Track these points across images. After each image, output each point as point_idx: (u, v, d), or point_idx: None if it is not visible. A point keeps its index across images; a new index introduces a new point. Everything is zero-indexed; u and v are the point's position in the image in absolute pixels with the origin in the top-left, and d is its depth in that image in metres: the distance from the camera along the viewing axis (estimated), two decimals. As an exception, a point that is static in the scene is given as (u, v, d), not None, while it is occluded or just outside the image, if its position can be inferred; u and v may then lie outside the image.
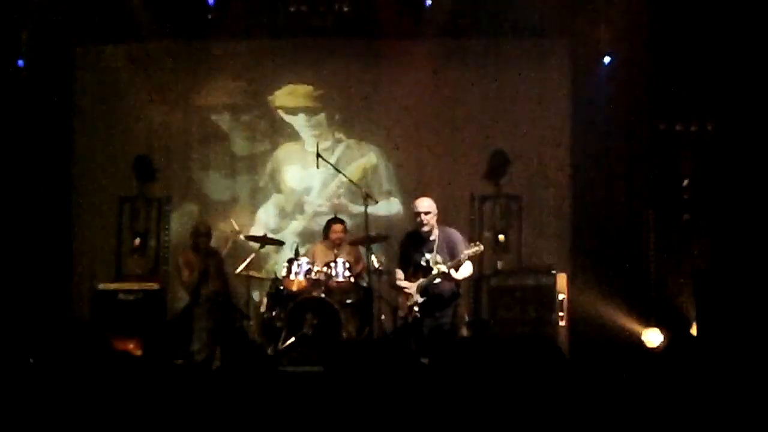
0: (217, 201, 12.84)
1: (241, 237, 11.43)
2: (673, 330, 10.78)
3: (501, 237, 12.05)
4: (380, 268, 10.56)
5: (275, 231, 12.29)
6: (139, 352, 10.04)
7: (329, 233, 11.03)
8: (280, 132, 12.96)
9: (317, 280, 10.50)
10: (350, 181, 11.56)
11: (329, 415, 4.85)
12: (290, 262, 10.69)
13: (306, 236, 12.42)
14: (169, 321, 11.20)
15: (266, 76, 12.91)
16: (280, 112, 12.95)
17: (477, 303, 11.29)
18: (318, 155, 11.01)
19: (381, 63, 12.77)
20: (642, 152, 11.82)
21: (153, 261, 12.20)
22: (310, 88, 12.90)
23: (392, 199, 12.60)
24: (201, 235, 10.78)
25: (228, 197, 12.86)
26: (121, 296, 10.76)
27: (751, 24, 10.74)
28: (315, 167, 11.52)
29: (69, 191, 12.54)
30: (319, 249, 11.08)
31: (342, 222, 11.18)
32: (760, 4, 10.68)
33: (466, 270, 9.01)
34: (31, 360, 5.33)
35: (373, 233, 10.48)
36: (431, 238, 9.02)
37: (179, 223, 12.60)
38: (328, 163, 11.34)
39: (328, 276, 10.50)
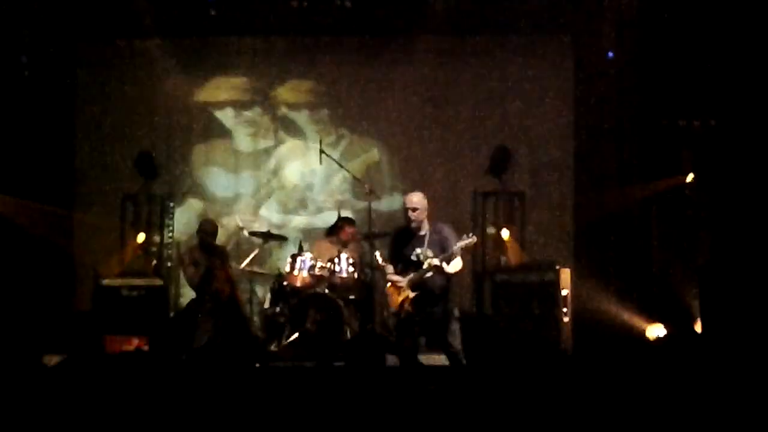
0: (220, 197, 12.85)
1: (245, 233, 11.43)
2: (677, 325, 10.78)
3: (504, 233, 12.04)
4: (383, 264, 10.54)
5: (278, 227, 12.29)
6: (134, 348, 10.06)
7: (339, 232, 10.95)
8: (283, 128, 12.96)
9: (320, 276, 10.49)
10: (353, 177, 11.57)
11: (330, 410, 4.87)
12: (293, 257, 10.68)
13: (309, 232, 12.42)
14: (172, 317, 11.21)
15: (269, 72, 12.91)
16: (283, 109, 12.95)
17: (480, 299, 11.29)
18: (321, 151, 11.02)
19: (384, 59, 12.76)
20: (645, 148, 11.80)
21: (156, 257, 12.20)
22: (313, 84, 12.90)
23: (395, 195, 12.58)
24: (207, 232, 10.76)
25: (231, 194, 12.87)
26: (124, 292, 10.75)
27: (755, 22, 10.73)
28: (317, 163, 11.56)
29: (72, 188, 12.55)
30: (324, 245, 11.06)
31: (354, 223, 11.09)
32: (764, 2, 10.67)
33: (457, 264, 8.96)
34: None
35: (376, 229, 10.48)
36: (421, 233, 9.00)
37: (182, 219, 12.62)
38: (331, 158, 11.33)
39: (332, 272, 10.49)
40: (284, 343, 10.10)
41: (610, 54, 11.93)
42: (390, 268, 9.15)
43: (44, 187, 11.82)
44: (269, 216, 12.76)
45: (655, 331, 10.94)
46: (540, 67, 12.60)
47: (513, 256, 11.86)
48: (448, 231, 9.05)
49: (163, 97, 12.77)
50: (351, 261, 10.54)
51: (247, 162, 12.93)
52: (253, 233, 11.30)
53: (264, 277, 11.47)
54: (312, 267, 10.52)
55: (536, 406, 4.89)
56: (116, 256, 12.03)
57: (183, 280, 11.68)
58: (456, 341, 8.52)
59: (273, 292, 10.83)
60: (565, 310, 10.55)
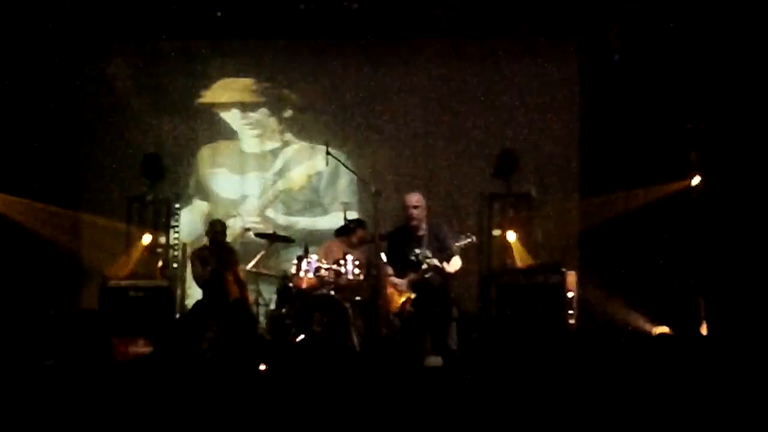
0: (226, 199, 12.87)
1: (251, 234, 11.45)
2: (683, 328, 10.77)
3: (510, 235, 12.04)
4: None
5: (284, 228, 12.30)
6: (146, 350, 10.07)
7: (351, 234, 10.94)
8: (289, 130, 12.98)
9: (326, 278, 10.49)
10: (359, 178, 11.59)
11: (336, 412, 4.88)
12: (299, 259, 10.68)
13: (315, 234, 12.42)
14: (178, 318, 11.23)
15: (275, 74, 12.93)
16: (290, 110, 12.96)
17: (486, 301, 11.28)
18: (327, 152, 11.01)
19: (390, 62, 12.80)
20: (651, 151, 11.79)
21: (162, 259, 12.22)
22: (319, 86, 12.91)
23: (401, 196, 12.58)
24: (216, 231, 10.78)
25: (237, 195, 12.89)
26: (131, 293, 10.77)
27: (761, 24, 10.72)
28: (323, 165, 11.55)
29: (79, 190, 12.57)
30: (333, 246, 11.06)
31: (365, 226, 11.08)
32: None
33: (456, 263, 8.97)
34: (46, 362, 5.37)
35: (382, 231, 10.48)
36: (420, 233, 9.00)
37: (188, 221, 12.63)
38: (337, 160, 11.33)
39: (338, 274, 10.49)
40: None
41: (616, 57, 11.93)
42: (390, 270, 9.15)
43: (51, 189, 11.85)
44: (275, 217, 12.78)
45: (661, 333, 10.94)
46: (545, 69, 12.60)
47: (519, 258, 11.85)
48: (446, 230, 9.05)
49: (169, 98, 12.80)
50: (357, 263, 10.54)
51: (254, 163, 12.95)
52: (259, 235, 11.31)
53: (270, 279, 11.48)
54: (318, 269, 10.52)
55: (541, 407, 4.89)
56: (123, 258, 12.04)
57: (189, 282, 11.71)
58: (452, 342, 8.52)
59: (279, 293, 10.83)
60: (570, 312, 10.55)
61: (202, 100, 12.91)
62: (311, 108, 12.93)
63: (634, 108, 11.86)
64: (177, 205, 12.51)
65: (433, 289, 8.97)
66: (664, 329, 10.95)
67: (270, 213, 12.82)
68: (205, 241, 10.91)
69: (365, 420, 4.87)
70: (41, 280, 11.41)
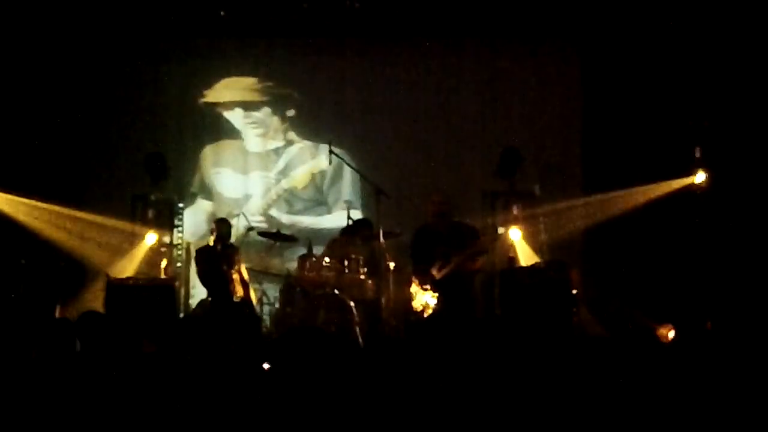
0: (229, 198, 12.87)
1: (254, 233, 11.46)
2: (687, 326, 10.75)
3: (513, 233, 12.02)
4: (393, 264, 10.57)
5: (288, 227, 12.30)
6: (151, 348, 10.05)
7: (357, 233, 10.95)
8: (292, 129, 12.98)
9: (330, 277, 10.50)
10: (362, 177, 11.60)
11: (340, 411, 4.88)
12: (303, 258, 10.69)
13: (318, 232, 12.42)
14: (182, 318, 11.22)
15: (278, 73, 12.94)
16: (292, 109, 12.97)
17: (489, 298, 11.28)
18: (330, 151, 11.03)
19: (392, 61, 12.82)
20: (654, 148, 11.79)
21: (166, 258, 12.21)
22: (321, 85, 12.94)
23: (403, 195, 12.59)
24: (221, 230, 10.78)
25: (241, 194, 12.89)
26: (135, 293, 10.77)
27: (763, 21, 10.72)
28: (327, 163, 11.58)
29: (82, 189, 12.57)
30: (338, 245, 11.06)
31: (371, 225, 11.08)
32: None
33: (481, 259, 9.03)
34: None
35: (385, 230, 10.49)
36: (444, 230, 9.03)
37: (192, 220, 12.63)
38: (340, 158, 11.34)
39: (342, 272, 10.50)
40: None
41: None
42: (414, 267, 9.20)
43: (54, 188, 11.85)
44: (279, 216, 12.78)
45: (665, 331, 10.92)
46: (548, 67, 12.62)
47: (522, 256, 11.84)
48: (469, 228, 9.10)
49: (172, 98, 12.80)
50: (361, 262, 10.55)
51: (257, 163, 12.96)
52: (262, 234, 11.32)
53: (274, 278, 11.50)
54: (322, 268, 10.54)
55: (547, 406, 4.89)
56: (126, 257, 12.04)
57: (193, 281, 11.71)
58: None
59: (283, 292, 10.85)
60: (574, 310, 10.54)
61: (205, 99, 12.92)
62: (314, 107, 12.93)
63: (637, 105, 11.86)
64: (181, 205, 12.51)
65: (457, 285, 9.02)
66: (669, 327, 10.94)
67: (273, 212, 12.83)
68: (209, 240, 10.91)
69: (368, 419, 4.87)
70: (44, 280, 11.40)
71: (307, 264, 10.59)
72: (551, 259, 11.52)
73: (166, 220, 12.42)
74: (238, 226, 12.18)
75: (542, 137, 12.63)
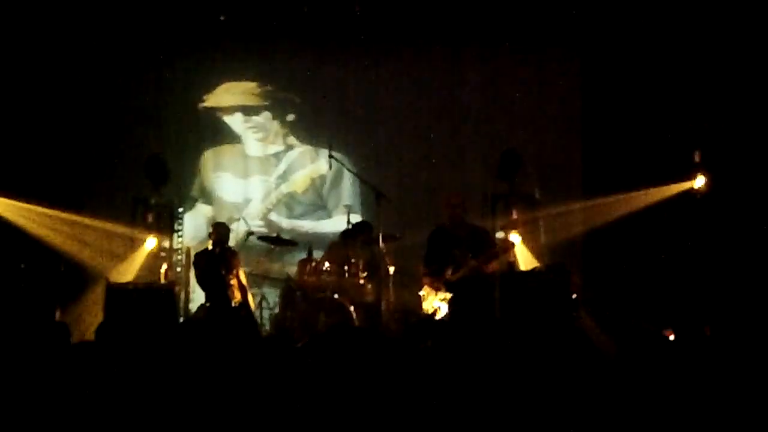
0: (229, 202, 12.88)
1: (254, 238, 11.46)
2: (687, 329, 10.74)
3: (513, 236, 12.01)
4: (393, 268, 10.59)
5: (288, 231, 12.30)
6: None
7: (357, 236, 10.95)
8: (292, 133, 12.99)
9: (330, 281, 10.50)
10: (363, 181, 11.61)
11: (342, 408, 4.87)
12: (303, 262, 10.70)
13: (318, 236, 12.42)
14: (182, 322, 11.21)
15: (278, 77, 12.95)
16: (293, 113, 12.97)
17: (490, 303, 11.26)
18: (330, 155, 11.04)
19: (392, 64, 12.82)
20: (654, 151, 11.78)
21: (166, 262, 12.20)
22: (322, 89, 12.94)
23: (404, 198, 12.59)
24: (219, 234, 10.78)
25: (241, 198, 12.90)
26: (134, 297, 10.75)
27: (764, 23, 10.72)
28: (327, 168, 11.59)
29: (82, 193, 12.58)
30: (337, 249, 11.07)
31: (371, 228, 11.09)
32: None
33: (494, 264, 9.05)
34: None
35: (385, 233, 10.51)
36: (459, 233, 9.05)
37: (192, 224, 12.63)
38: (340, 162, 11.35)
39: (341, 276, 10.50)
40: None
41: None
42: (426, 270, 9.20)
43: (55, 192, 11.85)
44: (279, 221, 12.78)
45: (666, 333, 10.91)
46: (547, 70, 12.63)
47: (523, 259, 11.82)
48: (484, 232, 9.12)
49: (172, 102, 12.81)
50: (361, 265, 10.56)
51: (257, 167, 12.97)
52: (262, 238, 11.33)
53: (274, 282, 11.50)
54: (322, 271, 10.54)
55: (548, 408, 4.89)
56: (126, 261, 12.03)
57: (192, 285, 11.69)
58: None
59: (283, 296, 10.85)
60: (575, 314, 10.53)
61: (205, 103, 12.93)
62: (314, 111, 12.94)
63: (637, 108, 11.85)
64: (181, 209, 12.48)
65: (470, 289, 9.03)
66: (669, 331, 10.93)
67: (273, 216, 12.83)
68: (209, 244, 10.90)
69: (369, 420, 4.87)
70: (44, 284, 11.41)
71: (307, 268, 10.61)
72: (551, 263, 11.52)
73: (166, 224, 12.38)
74: (238, 230, 12.19)
75: (543, 140, 12.63)
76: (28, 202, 11.51)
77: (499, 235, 12.00)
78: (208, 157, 12.99)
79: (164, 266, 12.02)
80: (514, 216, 12.13)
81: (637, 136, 11.92)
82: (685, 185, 11.55)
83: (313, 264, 10.62)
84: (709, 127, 11.49)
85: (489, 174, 12.39)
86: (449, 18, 12.07)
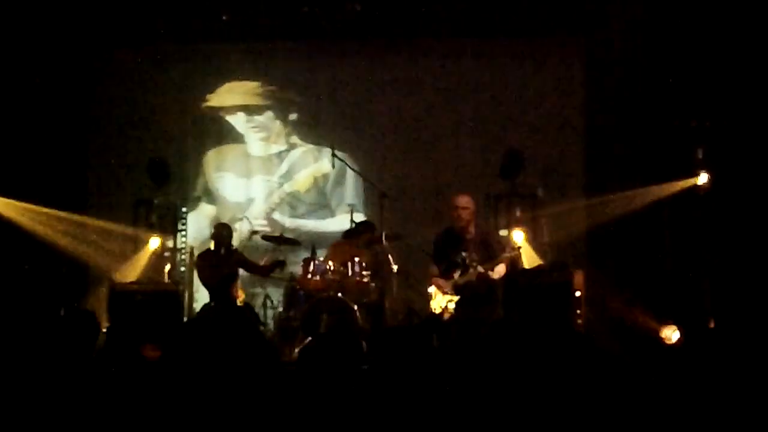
0: (232, 202, 12.89)
1: (258, 237, 11.47)
2: (690, 326, 10.75)
3: (516, 235, 12.02)
4: (396, 267, 10.60)
5: (291, 231, 12.31)
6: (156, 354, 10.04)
7: (360, 236, 10.97)
8: (295, 132, 12.99)
9: (334, 280, 10.51)
10: (365, 180, 11.63)
11: (344, 409, 4.88)
12: (306, 261, 10.71)
13: (322, 236, 12.43)
14: (186, 322, 11.22)
15: (280, 76, 12.95)
16: (295, 113, 12.98)
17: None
18: (333, 154, 11.05)
19: (393, 61, 12.81)
20: (656, 149, 11.78)
21: (170, 262, 12.22)
22: (323, 87, 12.93)
23: (406, 198, 12.60)
24: (221, 234, 10.79)
25: (244, 198, 12.91)
26: (138, 298, 10.77)
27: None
28: (329, 167, 11.60)
29: (85, 194, 12.59)
30: (341, 248, 11.08)
31: (374, 227, 11.09)
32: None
33: (500, 270, 9.07)
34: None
35: (388, 232, 10.53)
36: (467, 236, 9.06)
37: (195, 224, 12.65)
38: (343, 162, 11.36)
39: (345, 276, 10.51)
40: (298, 347, 10.12)
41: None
42: (435, 270, 9.22)
43: (57, 193, 11.86)
44: (282, 220, 12.79)
45: (669, 332, 10.91)
46: (550, 68, 12.61)
47: (526, 258, 11.84)
48: (493, 235, 9.15)
49: (175, 102, 12.82)
50: (364, 265, 10.56)
51: (260, 166, 12.97)
52: (265, 237, 11.34)
53: (277, 282, 11.51)
54: (325, 271, 10.55)
55: (548, 408, 4.89)
56: (130, 262, 12.05)
57: (196, 285, 11.71)
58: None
59: (286, 296, 10.86)
60: (578, 311, 10.54)
61: (207, 103, 12.93)
62: (316, 110, 12.94)
63: (640, 106, 11.85)
64: (184, 209, 12.52)
65: (476, 294, 9.05)
66: (672, 328, 10.94)
67: (276, 216, 12.84)
68: (212, 244, 10.92)
69: (370, 421, 4.88)
70: (48, 285, 11.43)
71: (311, 267, 10.61)
72: (554, 261, 11.53)
73: (170, 224, 12.43)
74: (241, 230, 12.20)
75: (545, 138, 12.62)
76: (31, 203, 11.52)
77: (503, 233, 12.04)
78: (211, 157, 13.00)
79: (167, 266, 12.06)
80: (517, 215, 12.18)
81: (640, 133, 11.91)
82: (688, 183, 11.55)
83: (317, 263, 10.63)
84: (712, 124, 11.49)
85: (491, 173, 12.42)
86: (451, 16, 12.06)
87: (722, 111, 11.42)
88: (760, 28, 10.79)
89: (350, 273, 10.50)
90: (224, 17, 12.15)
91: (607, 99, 12.12)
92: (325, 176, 12.80)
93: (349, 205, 12.23)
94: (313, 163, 12.87)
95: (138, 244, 12.21)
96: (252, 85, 12.99)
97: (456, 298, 9.16)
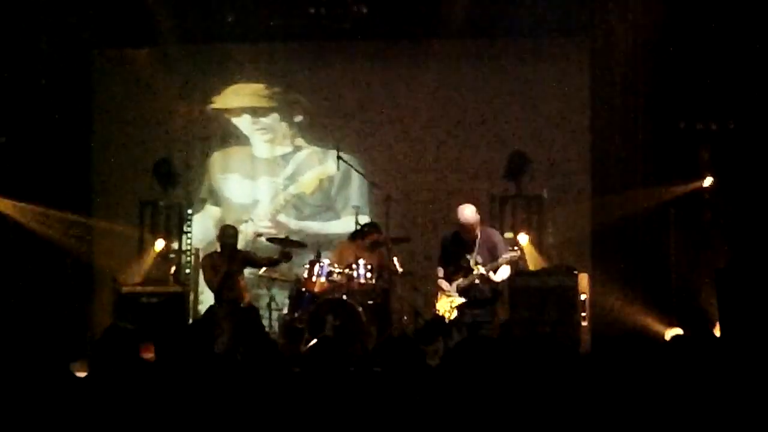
0: (238, 204, 12.90)
1: (263, 239, 11.48)
2: (695, 329, 10.73)
3: (521, 237, 12.01)
4: (401, 269, 10.61)
5: (296, 233, 12.30)
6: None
7: (366, 237, 10.97)
8: (300, 134, 13.00)
9: (339, 282, 10.51)
10: (371, 182, 11.63)
11: (347, 413, 4.88)
12: (311, 263, 10.71)
13: (327, 238, 12.44)
14: (191, 324, 11.24)
15: (286, 78, 12.95)
16: (300, 115, 12.98)
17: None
18: (338, 156, 11.06)
19: (398, 63, 12.81)
20: (662, 151, 11.76)
21: (175, 264, 12.24)
22: (329, 89, 12.93)
23: (411, 199, 12.60)
24: (227, 236, 10.79)
25: (249, 200, 12.91)
26: (143, 299, 10.79)
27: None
28: (335, 169, 11.60)
29: (90, 196, 12.60)
30: (347, 250, 11.08)
31: (380, 229, 11.07)
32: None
33: (504, 272, 9.09)
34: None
35: (393, 235, 10.53)
36: (473, 238, 9.08)
37: (200, 226, 12.65)
38: (348, 164, 11.37)
39: (350, 277, 10.51)
40: (303, 349, 10.12)
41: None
42: (440, 271, 9.24)
43: (62, 195, 11.87)
44: (287, 222, 12.80)
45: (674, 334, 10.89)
46: (555, 69, 12.59)
47: (531, 260, 11.84)
48: (497, 237, 9.16)
49: (180, 103, 12.83)
50: (369, 266, 10.56)
51: (265, 168, 12.97)
52: (271, 239, 11.34)
53: (282, 283, 11.52)
54: (330, 273, 10.55)
55: (552, 412, 4.88)
56: (135, 264, 12.07)
57: (201, 287, 11.73)
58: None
59: (291, 298, 10.87)
60: (583, 314, 10.53)
61: (213, 105, 12.93)
62: (322, 112, 12.94)
63: (645, 108, 11.83)
64: (189, 211, 12.53)
65: (480, 296, 9.07)
66: (678, 331, 10.92)
67: (282, 218, 12.84)
68: (217, 246, 10.92)
69: (371, 422, 4.87)
70: (54, 287, 11.44)
71: (315, 269, 10.61)
72: (559, 263, 11.52)
73: (175, 226, 12.45)
74: (246, 231, 12.20)
75: (549, 140, 12.61)
76: (36, 205, 11.54)
77: (508, 235, 12.04)
78: (216, 158, 13.01)
79: (172, 268, 12.08)
80: (522, 217, 12.17)
81: (645, 135, 11.89)
82: (693, 185, 11.54)
83: (322, 265, 10.63)
84: (717, 126, 11.47)
85: (496, 175, 12.42)
86: (456, 18, 12.03)
87: (727, 113, 11.41)
88: (766, 29, 10.77)
89: (355, 275, 10.50)
90: (230, 18, 12.14)
91: (612, 101, 12.09)
92: (331, 178, 12.81)
93: (354, 207, 12.23)
94: (319, 165, 12.88)
95: (143, 246, 12.23)
96: (257, 87, 12.99)
97: (460, 300, 9.18)
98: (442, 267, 9.45)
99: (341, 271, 10.54)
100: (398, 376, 5.23)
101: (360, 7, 12.03)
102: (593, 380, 5.09)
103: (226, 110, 12.97)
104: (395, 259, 10.51)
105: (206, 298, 11.59)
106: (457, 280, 9.21)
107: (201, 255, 11.74)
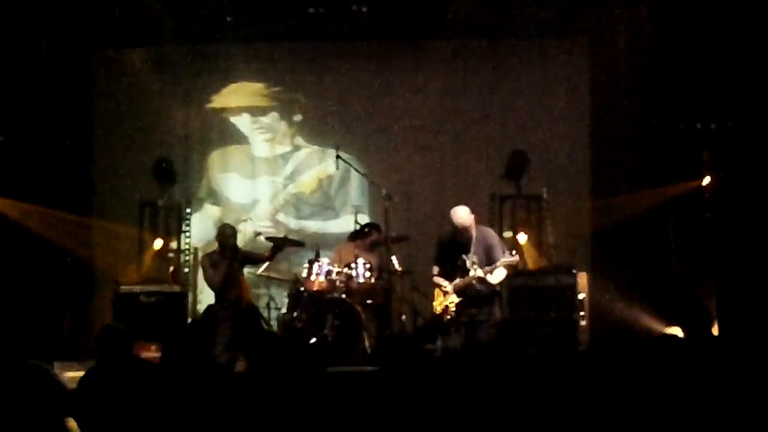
0: (237, 203, 12.90)
1: (262, 239, 11.47)
2: (694, 328, 10.72)
3: (521, 237, 12.02)
4: (400, 269, 10.61)
5: (295, 232, 12.31)
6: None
7: (366, 237, 10.97)
8: (299, 134, 13.00)
9: (338, 282, 10.51)
10: (370, 181, 11.62)
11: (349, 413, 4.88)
12: (311, 263, 10.70)
13: (326, 237, 12.43)
14: (190, 324, 11.23)
15: (285, 78, 12.95)
16: (300, 114, 12.98)
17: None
18: (337, 156, 11.05)
19: (398, 64, 12.81)
20: (661, 151, 11.77)
21: (174, 263, 12.24)
22: (329, 89, 12.93)
23: (411, 199, 12.60)
24: (227, 235, 10.78)
25: (248, 199, 12.91)
26: (142, 299, 10.79)
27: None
28: (334, 168, 11.59)
29: (90, 195, 12.60)
30: (346, 250, 11.08)
31: (380, 229, 11.07)
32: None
33: (500, 274, 9.08)
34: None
35: (393, 234, 10.53)
36: (470, 238, 9.08)
37: (200, 225, 12.65)
38: (347, 163, 11.35)
39: (349, 277, 10.51)
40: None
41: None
42: (435, 269, 9.25)
43: (62, 194, 11.87)
44: (286, 221, 12.80)
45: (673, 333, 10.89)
46: (555, 70, 12.60)
47: (530, 260, 11.84)
48: (494, 238, 9.16)
49: (180, 103, 12.83)
50: (368, 266, 10.56)
51: (264, 168, 12.98)
52: (270, 239, 11.34)
53: (281, 283, 11.52)
54: (329, 272, 10.55)
55: (552, 409, 4.89)
56: (134, 263, 12.07)
57: (201, 286, 11.73)
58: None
59: (290, 297, 10.86)
60: (582, 314, 10.54)
61: (212, 104, 12.94)
62: (321, 112, 12.94)
63: (645, 108, 11.83)
64: (188, 210, 12.52)
65: (477, 296, 9.08)
66: (676, 330, 10.91)
67: (281, 217, 12.85)
68: (216, 245, 10.92)
69: (371, 421, 4.88)
70: (54, 286, 11.44)
71: (315, 269, 10.60)
72: (559, 263, 11.53)
73: (174, 225, 12.45)
74: (246, 231, 12.19)
75: (550, 140, 12.61)
76: (36, 205, 11.54)
77: (507, 235, 12.04)
78: (216, 158, 13.01)
79: (171, 267, 12.08)
80: (522, 217, 12.18)
81: (645, 135, 11.90)
82: (693, 185, 11.54)
83: (321, 265, 10.62)
84: (717, 127, 11.48)
85: (496, 175, 12.42)
86: (457, 18, 12.04)
87: (728, 114, 11.41)
88: (765, 29, 10.77)
89: (355, 274, 10.50)
90: (229, 18, 12.14)
91: (613, 101, 12.10)
92: (330, 177, 12.81)
93: (353, 206, 12.22)
94: (318, 165, 12.88)
95: (143, 245, 12.23)
96: (257, 87, 12.99)
97: (458, 299, 9.18)
98: (438, 266, 9.45)
99: (340, 270, 10.54)
100: (398, 375, 5.23)
101: (360, 6, 12.02)
102: (592, 379, 5.09)
103: (226, 110, 12.97)
104: (394, 258, 10.50)
105: (205, 298, 11.59)
106: (454, 279, 9.22)
107: (200, 254, 11.73)
